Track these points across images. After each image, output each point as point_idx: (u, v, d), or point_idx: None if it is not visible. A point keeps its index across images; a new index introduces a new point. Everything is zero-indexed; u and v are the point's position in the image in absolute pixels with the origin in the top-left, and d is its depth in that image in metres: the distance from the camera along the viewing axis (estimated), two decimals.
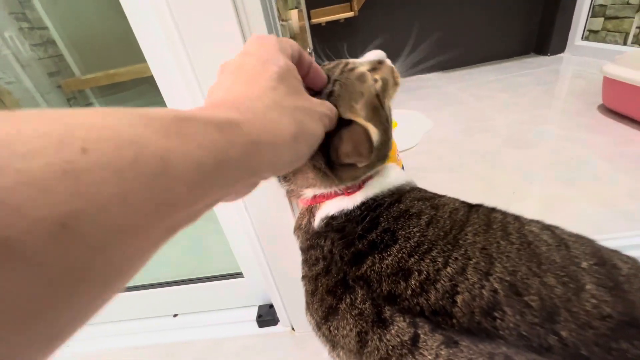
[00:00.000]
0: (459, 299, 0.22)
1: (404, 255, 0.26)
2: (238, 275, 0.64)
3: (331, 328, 0.27)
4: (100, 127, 0.11)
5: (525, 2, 2.12)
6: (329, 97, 0.27)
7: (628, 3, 1.72)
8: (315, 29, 2.07)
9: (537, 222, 0.30)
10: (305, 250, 0.33)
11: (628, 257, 0.27)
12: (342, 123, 0.26)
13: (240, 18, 0.36)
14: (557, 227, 0.30)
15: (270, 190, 0.47)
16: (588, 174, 0.95)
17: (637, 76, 1.05)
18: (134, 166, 0.11)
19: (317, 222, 0.32)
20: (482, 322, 0.21)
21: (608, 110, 1.25)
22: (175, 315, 0.70)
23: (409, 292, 0.24)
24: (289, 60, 0.23)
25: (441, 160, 1.15)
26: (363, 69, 0.30)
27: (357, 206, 0.30)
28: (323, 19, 1.97)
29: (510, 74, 1.99)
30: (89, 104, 2.34)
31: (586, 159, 1.02)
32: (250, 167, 0.17)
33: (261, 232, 0.53)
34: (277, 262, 0.56)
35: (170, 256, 0.90)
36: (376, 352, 0.23)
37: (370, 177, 0.32)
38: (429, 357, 0.21)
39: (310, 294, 0.30)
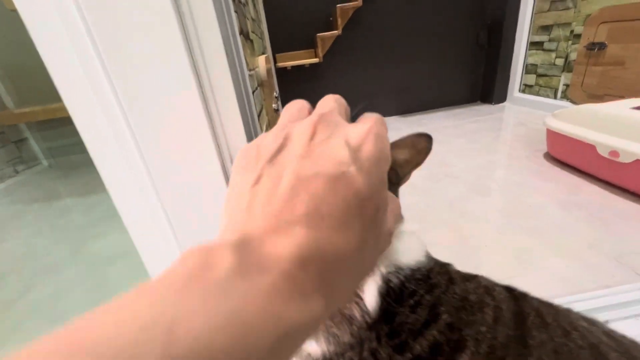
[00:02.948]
0: None
1: None
2: None
3: None
4: None
5: (470, 57, 2.37)
6: None
7: (554, 64, 1.98)
8: (281, 72, 2.10)
9: (572, 311, 0.26)
10: (337, 354, 0.22)
11: None
12: None
13: (199, 74, 0.30)
14: (595, 320, 0.26)
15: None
16: (548, 222, 0.99)
17: (577, 130, 1.17)
18: None
19: (371, 300, 0.22)
20: None
21: (553, 159, 1.37)
22: None
23: None
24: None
25: (412, 209, 1.15)
26: None
27: (411, 274, 0.23)
28: (289, 64, 2.00)
29: (463, 120, 2.15)
30: (22, 140, 2.07)
31: (543, 206, 1.07)
32: None
33: None
34: None
35: None
36: None
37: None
38: None
39: None
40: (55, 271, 1.05)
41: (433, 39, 2.27)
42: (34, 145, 2.14)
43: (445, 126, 2.07)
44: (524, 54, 2.19)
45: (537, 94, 2.16)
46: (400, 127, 2.20)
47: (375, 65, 2.29)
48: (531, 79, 2.19)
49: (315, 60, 2.03)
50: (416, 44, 2.27)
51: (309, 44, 2.16)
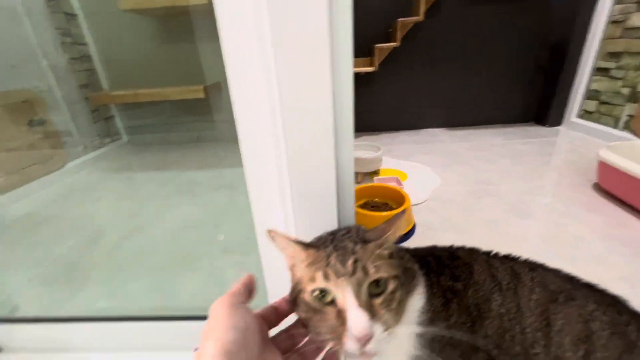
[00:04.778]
0: None
1: None
2: None
3: None
4: None
5: (528, 76, 2.34)
6: None
7: (619, 93, 1.91)
8: None
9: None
10: None
11: None
12: None
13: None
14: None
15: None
16: (586, 253, 1.02)
17: (632, 166, 1.17)
18: None
19: None
20: None
21: (602, 190, 1.36)
22: (196, 349, 0.72)
23: None
24: None
25: (449, 221, 1.23)
26: None
27: None
28: None
29: (512, 140, 2.14)
30: (110, 117, 2.42)
31: (584, 237, 1.10)
32: None
33: None
34: None
35: (195, 286, 0.93)
36: None
37: None
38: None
39: None
40: (142, 231, 1.28)
41: (491, 56, 2.28)
42: (119, 122, 2.49)
43: (492, 144, 2.08)
44: (587, 79, 2.12)
45: (597, 122, 2.08)
46: (445, 139, 2.25)
47: (429, 77, 2.35)
48: (592, 105, 2.12)
49: (371, 68, 2.14)
50: (472, 59, 2.29)
51: (366, 53, 2.27)
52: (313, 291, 0.30)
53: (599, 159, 1.34)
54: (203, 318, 0.71)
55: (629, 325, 0.34)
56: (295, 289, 0.33)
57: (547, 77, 2.29)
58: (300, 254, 0.33)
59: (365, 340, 0.27)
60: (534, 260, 0.42)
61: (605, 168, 1.32)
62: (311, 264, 0.32)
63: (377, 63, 2.15)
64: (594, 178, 1.44)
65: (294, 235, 0.43)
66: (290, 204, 0.49)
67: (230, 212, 1.37)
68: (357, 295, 0.29)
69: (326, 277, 0.29)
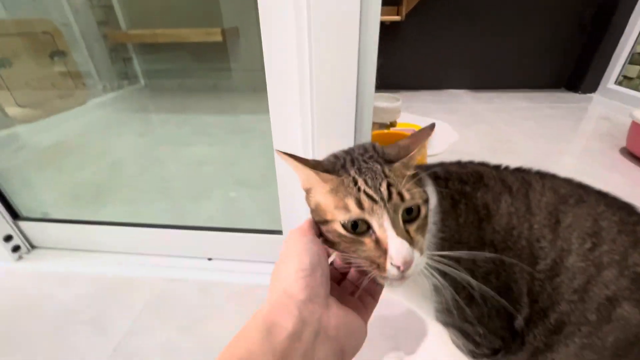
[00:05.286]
0: None
1: None
2: (278, 232, 0.71)
3: None
4: None
5: (564, 39, 2.16)
6: None
7: None
8: None
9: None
10: None
11: None
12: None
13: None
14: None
15: None
16: None
17: None
18: None
19: None
20: None
21: (630, 154, 1.30)
22: (209, 259, 0.76)
23: None
24: None
25: None
26: None
27: None
28: None
29: (540, 104, 2.03)
30: (128, 58, 2.41)
31: None
32: None
33: None
34: None
35: (211, 209, 0.98)
36: None
37: None
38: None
39: None
40: (161, 164, 1.32)
41: (527, 14, 2.10)
42: (137, 65, 2.47)
43: (517, 107, 1.99)
44: (633, 41, 1.94)
45: (637, 89, 1.94)
46: (467, 100, 2.16)
47: (459, 33, 2.20)
48: (634, 70, 1.96)
49: (397, 18, 2.01)
50: (508, 15, 2.11)
51: (394, 1, 2.12)
52: (345, 222, 0.28)
53: (631, 120, 1.26)
54: (217, 229, 0.74)
55: (637, 225, 0.34)
56: (320, 217, 0.30)
57: (588, 38, 2.11)
58: (314, 177, 0.29)
59: (407, 267, 0.27)
60: (546, 171, 0.42)
61: (637, 129, 1.25)
62: (335, 190, 0.29)
63: (404, 12, 2.01)
64: (621, 143, 1.38)
65: (309, 156, 0.43)
66: (310, 123, 0.49)
67: (244, 153, 1.39)
68: (395, 223, 0.27)
69: (360, 205, 0.27)
